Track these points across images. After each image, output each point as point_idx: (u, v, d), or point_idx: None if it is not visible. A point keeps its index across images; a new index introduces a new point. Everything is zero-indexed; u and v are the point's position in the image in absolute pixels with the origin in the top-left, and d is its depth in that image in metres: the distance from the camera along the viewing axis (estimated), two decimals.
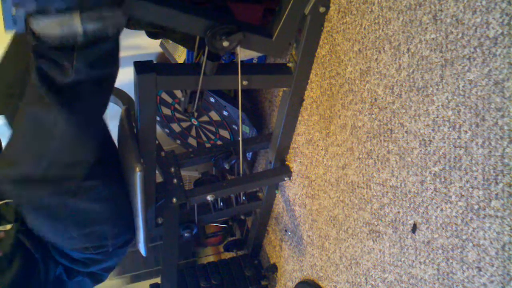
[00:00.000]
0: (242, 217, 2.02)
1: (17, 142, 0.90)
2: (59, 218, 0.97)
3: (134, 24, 1.14)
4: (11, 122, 1.08)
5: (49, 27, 0.72)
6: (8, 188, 0.92)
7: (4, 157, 0.92)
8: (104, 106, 0.91)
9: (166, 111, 1.99)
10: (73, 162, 0.90)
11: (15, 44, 1.07)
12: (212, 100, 1.71)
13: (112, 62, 0.83)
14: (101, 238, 1.06)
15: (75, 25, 0.73)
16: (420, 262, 0.97)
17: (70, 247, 1.06)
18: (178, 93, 1.85)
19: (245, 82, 1.14)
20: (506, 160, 0.73)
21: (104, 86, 0.87)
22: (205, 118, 1.87)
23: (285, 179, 1.53)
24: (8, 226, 1.03)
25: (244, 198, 1.62)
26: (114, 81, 0.88)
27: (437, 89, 0.84)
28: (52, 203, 0.94)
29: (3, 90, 1.08)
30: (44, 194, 0.91)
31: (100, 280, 1.22)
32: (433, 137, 0.87)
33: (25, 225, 1.03)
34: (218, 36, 0.96)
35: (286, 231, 1.72)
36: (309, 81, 1.28)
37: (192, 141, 2.10)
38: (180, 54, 1.79)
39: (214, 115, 1.80)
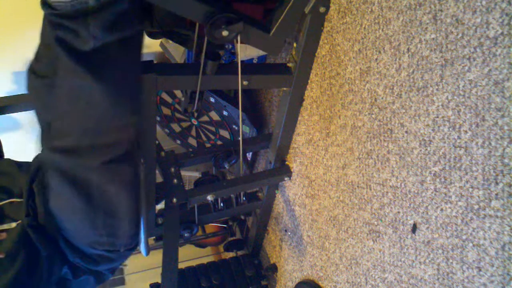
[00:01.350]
0: (242, 217, 2.02)
1: (60, 115, 0.88)
2: (92, 199, 0.95)
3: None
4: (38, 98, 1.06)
5: None
6: (60, 159, 0.90)
7: (51, 129, 0.90)
8: (136, 65, 0.89)
9: (166, 111, 1.99)
10: (118, 125, 0.89)
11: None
12: (212, 100, 1.71)
13: (129, 22, 0.81)
14: (118, 235, 1.05)
15: None
16: (420, 262, 0.97)
17: (86, 240, 1.05)
18: (178, 93, 1.85)
19: (245, 82, 1.14)
20: (506, 160, 0.73)
21: (130, 47, 0.85)
22: (205, 118, 1.87)
23: (285, 179, 1.53)
24: (13, 224, 1.03)
25: (244, 198, 1.62)
26: (140, 40, 0.87)
27: (437, 89, 0.84)
28: (91, 183, 0.93)
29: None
30: (94, 164, 0.90)
31: (103, 280, 1.22)
32: (433, 137, 0.87)
33: (36, 220, 1.02)
34: (218, 24, 0.95)
35: (286, 231, 1.72)
36: (309, 81, 1.28)
37: (192, 141, 2.10)
38: (180, 54, 1.79)
39: (214, 115, 1.80)
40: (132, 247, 1.14)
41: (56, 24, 0.75)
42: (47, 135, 0.90)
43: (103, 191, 0.95)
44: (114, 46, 0.80)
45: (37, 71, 0.84)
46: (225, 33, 0.97)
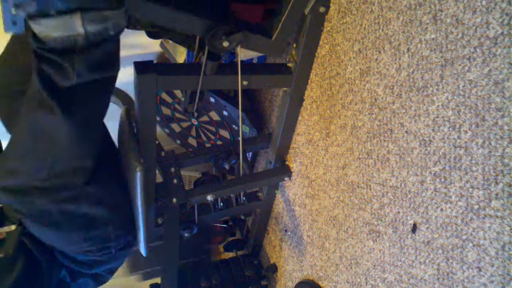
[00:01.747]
0: (242, 217, 2.02)
1: (17, 151, 0.89)
2: (61, 225, 0.97)
3: (134, 24, 1.14)
4: (7, 123, 1.07)
5: (50, 28, 0.72)
6: (6, 199, 0.91)
7: (2, 166, 0.91)
8: (105, 108, 0.90)
9: (166, 111, 1.99)
10: (73, 168, 0.89)
11: (13, 44, 1.07)
12: (212, 100, 1.71)
13: (112, 64, 0.83)
14: (104, 241, 1.06)
15: (76, 26, 0.73)
16: (420, 262, 0.97)
17: (74, 251, 1.06)
18: (178, 93, 1.85)
19: (245, 82, 1.14)
20: (506, 160, 0.73)
21: (105, 88, 0.87)
22: (205, 118, 1.87)
23: (285, 179, 1.53)
24: (13, 227, 1.03)
25: (244, 198, 1.62)
26: (114, 83, 0.88)
27: (437, 89, 0.84)
28: (53, 210, 0.94)
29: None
30: (44, 202, 0.91)
31: (103, 281, 1.22)
32: (433, 137, 0.87)
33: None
34: (218, 36, 0.96)
35: (286, 231, 1.72)
36: (309, 81, 1.28)
37: (192, 141, 2.10)
38: (180, 54, 1.79)
39: (214, 115, 1.80)
40: (125, 246, 1.14)
41: (43, 57, 0.76)
42: None
43: (67, 214, 0.96)
44: (90, 86, 0.81)
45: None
46: (226, 44, 0.98)
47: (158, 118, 2.05)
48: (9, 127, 1.06)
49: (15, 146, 0.89)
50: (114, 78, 0.86)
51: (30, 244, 1.01)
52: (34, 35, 0.73)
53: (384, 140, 1.02)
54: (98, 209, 0.99)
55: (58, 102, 0.79)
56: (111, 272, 1.22)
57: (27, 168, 0.88)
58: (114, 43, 0.80)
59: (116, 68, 0.84)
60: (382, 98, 1.00)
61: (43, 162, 0.86)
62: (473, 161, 0.79)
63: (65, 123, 0.81)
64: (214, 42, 0.97)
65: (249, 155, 1.94)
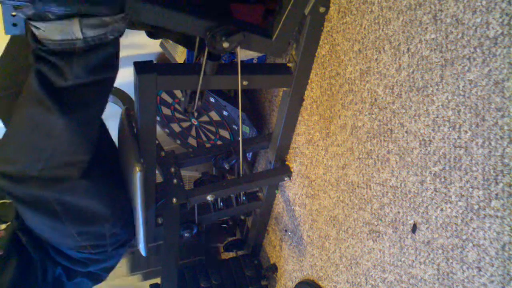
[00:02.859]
0: (242, 217, 2.02)
1: (14, 141, 0.90)
2: (57, 216, 0.97)
3: (134, 24, 1.14)
4: (6, 122, 1.08)
5: (49, 31, 0.72)
6: (2, 184, 0.91)
7: (0, 154, 0.92)
8: (102, 108, 0.91)
9: (166, 111, 1.99)
10: (70, 162, 0.90)
11: (12, 45, 1.07)
12: (212, 100, 1.71)
13: (111, 66, 0.83)
14: (100, 237, 1.06)
15: (74, 31, 0.73)
16: (420, 262, 0.97)
17: (69, 246, 1.06)
18: (178, 93, 1.85)
19: (245, 82, 1.14)
20: (506, 160, 0.73)
21: (103, 90, 0.87)
22: (205, 118, 1.87)
23: (285, 179, 1.53)
24: (3, 226, 1.03)
25: (244, 198, 1.62)
26: (112, 84, 0.89)
27: (437, 89, 0.84)
28: (50, 199, 0.94)
29: None
30: (39, 191, 0.91)
31: (99, 280, 1.22)
32: (433, 137, 0.87)
33: (24, 223, 1.03)
34: (218, 37, 0.96)
35: (286, 231, 1.72)
36: (309, 81, 1.28)
37: (192, 141, 2.10)
38: (180, 54, 1.79)
39: (214, 115, 1.80)
40: (120, 245, 1.14)
41: (41, 58, 0.76)
42: None
43: (64, 204, 0.96)
44: (87, 87, 0.81)
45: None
46: (225, 44, 0.98)
47: (158, 118, 2.05)
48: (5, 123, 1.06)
49: (12, 136, 0.90)
50: (112, 79, 0.87)
51: (25, 240, 1.01)
52: (34, 36, 0.74)
53: (384, 140, 1.02)
54: (94, 204, 0.99)
55: (55, 102, 0.79)
56: (107, 270, 1.22)
57: (24, 158, 0.89)
58: (113, 46, 0.80)
59: (115, 70, 0.85)
60: (382, 98, 1.00)
61: (39, 154, 0.87)
62: (473, 161, 0.79)
63: (62, 121, 0.82)
64: (214, 42, 0.97)
65: (249, 155, 1.94)
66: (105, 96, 0.90)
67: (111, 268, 1.23)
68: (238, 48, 1.03)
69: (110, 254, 1.12)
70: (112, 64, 0.83)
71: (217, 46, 0.98)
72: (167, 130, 2.13)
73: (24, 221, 1.03)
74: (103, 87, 0.86)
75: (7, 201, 1.07)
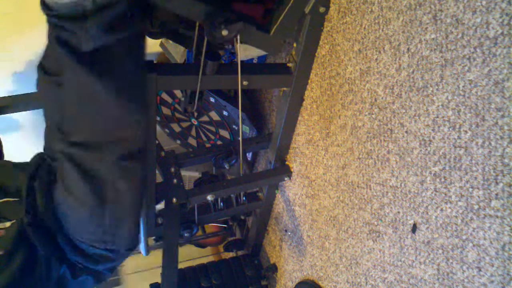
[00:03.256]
0: (242, 217, 2.02)
1: (71, 112, 0.89)
2: (104, 199, 0.96)
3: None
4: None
5: None
6: (74, 152, 0.91)
7: (65, 127, 0.91)
8: (138, 64, 0.90)
9: (166, 111, 1.99)
10: (128, 122, 0.90)
11: None
12: (212, 100, 1.71)
13: (128, 23, 0.82)
14: (123, 233, 1.05)
15: None
16: (420, 262, 0.97)
17: (88, 238, 1.04)
18: (178, 93, 1.85)
19: (245, 82, 1.14)
20: (506, 160, 0.73)
21: (132, 46, 0.86)
22: (205, 118, 1.87)
23: (285, 179, 1.53)
24: (7, 224, 1.03)
25: (244, 198, 1.62)
26: (141, 39, 0.87)
27: (437, 89, 0.84)
28: (107, 180, 0.94)
29: None
30: (112, 157, 0.91)
31: (103, 279, 1.21)
32: (433, 137, 0.87)
33: (35, 218, 1.02)
34: (218, 23, 0.95)
35: (286, 231, 1.72)
36: (309, 81, 1.28)
37: (192, 141, 2.10)
38: (180, 54, 1.79)
39: (214, 115, 1.80)
40: (132, 247, 1.14)
41: (55, 25, 0.76)
42: (58, 131, 0.91)
43: (115, 190, 0.96)
44: (116, 46, 0.81)
45: (45, 68, 0.86)
46: (224, 32, 0.97)
47: (158, 118, 2.05)
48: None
49: (68, 107, 0.89)
50: (139, 35, 0.86)
51: (32, 233, 1.00)
52: (44, 2, 0.74)
53: (384, 140, 1.02)
54: (137, 196, 1.00)
55: (87, 66, 0.79)
56: (112, 270, 1.22)
57: (87, 125, 0.89)
58: (124, 4, 0.79)
59: (135, 26, 0.83)
60: (382, 98, 1.00)
61: (98, 120, 0.88)
62: (473, 161, 0.79)
63: (101, 85, 0.81)
64: (213, 30, 0.96)
65: (249, 155, 1.94)
66: (137, 52, 0.89)
67: (116, 268, 1.23)
68: (238, 47, 1.03)
69: (120, 255, 1.12)
70: (129, 21, 0.82)
71: (216, 33, 0.96)
72: (167, 130, 2.13)
73: (35, 215, 1.02)
74: (131, 43, 0.85)
75: (11, 199, 1.07)
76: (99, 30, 0.77)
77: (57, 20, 0.75)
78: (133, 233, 1.08)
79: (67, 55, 0.78)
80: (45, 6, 0.75)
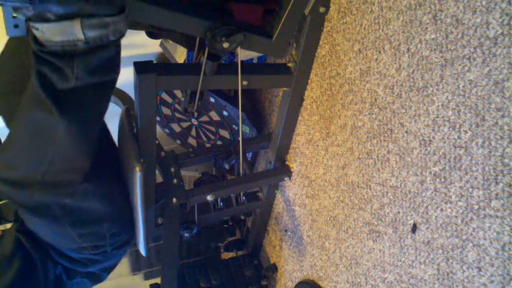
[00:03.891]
0: (242, 217, 2.02)
1: (16, 145, 0.89)
2: (57, 219, 0.97)
3: (134, 24, 1.14)
4: (7, 120, 1.07)
5: (49, 32, 0.72)
6: (4, 190, 0.91)
7: (1, 159, 0.91)
8: (103, 110, 0.90)
9: (166, 111, 1.99)
10: (71, 167, 0.89)
11: (13, 42, 1.07)
12: (212, 100, 1.71)
13: (112, 68, 0.83)
14: (100, 238, 1.06)
15: (75, 31, 0.72)
16: (420, 262, 0.97)
17: (69, 248, 1.06)
18: (178, 93, 1.85)
19: (245, 82, 1.14)
20: (506, 160, 0.73)
21: (104, 92, 0.86)
22: (205, 118, 1.87)
23: (285, 179, 1.53)
24: (8, 225, 1.04)
25: (244, 198, 1.62)
26: (114, 86, 0.88)
27: (437, 89, 0.84)
28: (51, 203, 0.94)
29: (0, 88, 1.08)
30: (41, 196, 0.91)
31: (99, 280, 1.22)
32: (433, 137, 0.87)
33: (24, 225, 1.03)
34: (218, 37, 0.96)
35: (286, 231, 1.72)
36: (309, 81, 1.28)
37: (192, 141, 2.10)
38: (180, 54, 1.79)
39: (214, 115, 1.80)
40: (120, 245, 1.14)
41: (42, 59, 0.76)
42: None
43: (64, 208, 0.96)
44: (89, 89, 0.81)
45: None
46: (226, 45, 0.98)
47: (158, 118, 2.05)
48: (9, 124, 1.06)
49: (13, 140, 0.89)
50: (114, 81, 0.86)
51: (25, 241, 1.01)
52: (35, 37, 0.73)
53: (384, 140, 1.02)
54: (94, 205, 0.99)
55: (56, 103, 0.78)
56: (107, 270, 1.22)
57: (25, 163, 0.89)
58: (114, 47, 0.80)
59: (116, 72, 0.84)
60: (382, 98, 1.00)
61: (41, 159, 0.87)
62: (473, 161, 0.79)
63: (63, 123, 0.81)
64: (214, 43, 0.97)
65: (249, 155, 1.94)
66: (106, 99, 0.89)
67: (111, 268, 1.23)
68: (238, 48, 1.03)
69: (109, 254, 1.12)
70: (113, 66, 0.83)
71: (217, 46, 0.98)
72: (167, 130, 2.13)
73: (23, 223, 1.03)
74: (105, 89, 0.86)
75: None
76: (86, 70, 0.77)
77: (45, 55, 0.75)
78: (112, 233, 1.09)
79: (39, 88, 0.77)
80: (35, 42, 0.74)
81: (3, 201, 1.10)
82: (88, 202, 0.98)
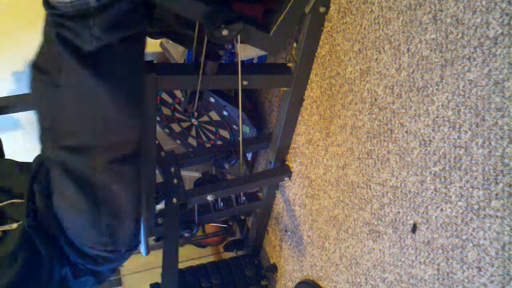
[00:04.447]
0: (242, 217, 2.02)
1: (66, 114, 0.87)
2: (97, 201, 0.95)
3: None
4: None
5: None
6: (67, 157, 0.89)
7: (56, 129, 0.89)
8: (139, 65, 0.89)
9: (166, 111, 1.99)
10: (125, 126, 0.88)
11: None
12: (212, 100, 1.71)
13: (132, 22, 0.81)
14: (122, 235, 1.05)
15: None
16: (420, 262, 0.97)
17: (87, 240, 1.04)
18: (178, 93, 1.85)
19: (245, 82, 1.14)
20: (506, 160, 0.73)
21: (134, 46, 0.85)
22: (205, 118, 1.87)
23: (285, 179, 1.53)
24: (14, 225, 1.03)
25: (244, 198, 1.62)
26: (142, 39, 0.86)
27: (437, 89, 0.84)
28: (98, 183, 0.92)
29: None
30: (101, 162, 0.90)
31: (104, 279, 1.21)
32: (433, 137, 0.87)
33: (36, 221, 1.02)
34: (218, 23, 0.95)
35: (286, 231, 1.72)
36: (309, 81, 1.28)
37: (192, 141, 2.10)
38: (180, 54, 1.79)
39: (214, 115, 1.80)
40: (133, 248, 1.14)
41: (58, 23, 0.75)
42: (51, 134, 0.90)
43: (108, 191, 0.95)
44: (118, 45, 0.79)
45: (40, 67, 0.83)
46: (225, 32, 0.96)
47: (158, 118, 2.05)
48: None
49: (64, 108, 0.87)
50: (140, 34, 0.84)
51: (34, 235, 1.00)
52: (47, 1, 0.73)
53: (384, 140, 1.02)
54: (131, 198, 0.99)
55: (89, 67, 0.77)
56: (113, 270, 1.22)
57: (81, 128, 0.87)
58: (128, 2, 0.78)
59: (139, 26, 0.82)
60: (382, 98, 1.00)
61: (94, 123, 0.86)
62: (473, 161, 0.79)
63: (102, 86, 0.79)
64: (213, 29, 0.95)
65: (249, 155, 1.94)
66: (138, 52, 0.87)
67: (117, 268, 1.23)
68: (238, 47, 1.03)
69: (121, 255, 1.12)
70: (133, 19, 0.80)
71: (216, 33, 0.96)
72: (167, 130, 2.13)
73: (35, 217, 1.01)
74: (133, 44, 0.84)
75: (18, 200, 1.07)
76: (103, 29, 0.76)
77: (59, 18, 0.74)
78: (132, 234, 1.08)
79: (68, 54, 0.76)
80: (47, 5, 0.73)
81: (7, 202, 1.10)
82: (128, 192, 0.97)
